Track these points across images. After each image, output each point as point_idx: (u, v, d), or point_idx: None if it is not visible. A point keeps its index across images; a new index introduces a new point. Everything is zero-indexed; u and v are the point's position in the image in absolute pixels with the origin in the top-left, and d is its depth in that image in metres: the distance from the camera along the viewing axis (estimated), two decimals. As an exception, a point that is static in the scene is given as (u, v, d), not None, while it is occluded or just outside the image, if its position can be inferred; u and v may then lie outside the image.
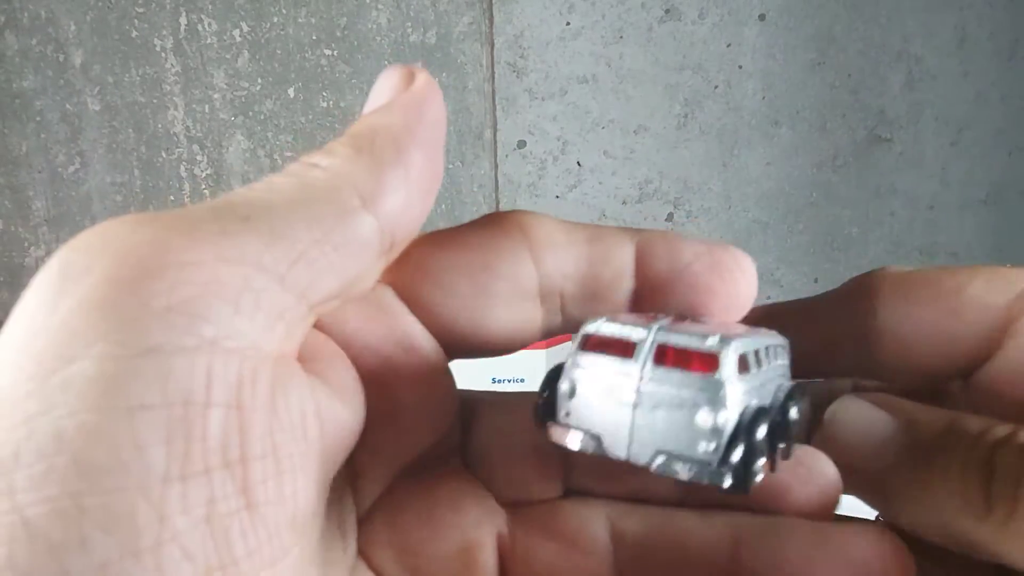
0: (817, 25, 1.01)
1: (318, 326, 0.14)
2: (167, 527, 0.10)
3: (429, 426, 0.15)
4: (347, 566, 0.14)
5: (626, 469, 0.14)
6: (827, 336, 0.17)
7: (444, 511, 0.15)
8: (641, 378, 0.13)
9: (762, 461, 0.13)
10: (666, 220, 1.04)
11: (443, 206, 1.02)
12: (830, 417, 0.15)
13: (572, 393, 0.14)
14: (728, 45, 1.00)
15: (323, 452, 0.13)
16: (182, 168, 0.99)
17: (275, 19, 0.96)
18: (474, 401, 0.17)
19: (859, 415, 0.15)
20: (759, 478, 0.13)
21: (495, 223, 0.15)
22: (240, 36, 0.96)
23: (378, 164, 0.13)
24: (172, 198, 0.98)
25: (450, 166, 1.01)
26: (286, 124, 0.97)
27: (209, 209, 0.12)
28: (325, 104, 0.97)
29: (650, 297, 0.15)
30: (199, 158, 0.99)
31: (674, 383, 0.13)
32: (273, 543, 0.11)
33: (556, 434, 0.14)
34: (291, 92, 0.97)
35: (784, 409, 0.14)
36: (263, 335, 0.12)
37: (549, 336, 0.16)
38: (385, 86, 0.14)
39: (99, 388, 0.10)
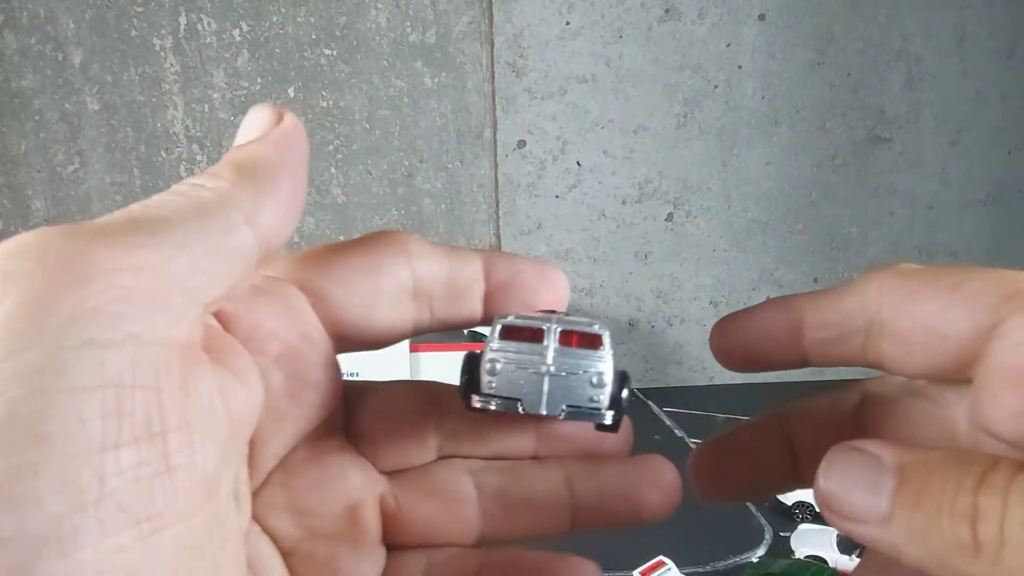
0: (816, 24, 1.01)
1: (231, 317, 0.17)
2: (106, 486, 0.12)
3: (319, 407, 0.18)
4: (242, 529, 0.17)
5: (525, 424, 0.19)
6: (838, 326, 0.18)
7: (332, 477, 0.19)
8: (552, 355, 0.18)
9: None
10: (666, 220, 1.04)
11: (443, 206, 1.02)
12: (824, 472, 0.16)
13: (493, 370, 0.18)
14: (728, 45, 1.00)
15: (230, 426, 0.15)
16: (182, 168, 0.99)
17: (274, 18, 0.96)
18: (355, 388, 0.20)
19: (852, 469, 0.16)
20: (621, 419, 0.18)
21: (380, 238, 0.19)
22: (239, 35, 0.96)
23: (258, 189, 0.16)
24: (171, 197, 0.98)
25: (450, 166, 1.01)
26: (285, 123, 0.97)
27: (121, 224, 0.14)
28: (325, 103, 0.97)
29: (496, 297, 0.20)
30: (199, 158, 0.99)
31: (576, 356, 0.18)
32: (189, 498, 0.14)
33: (480, 402, 0.18)
34: (291, 91, 0.97)
35: None
36: (170, 330, 0.14)
37: (419, 333, 0.20)
38: (257, 122, 0.17)
39: (47, 373, 0.12)
